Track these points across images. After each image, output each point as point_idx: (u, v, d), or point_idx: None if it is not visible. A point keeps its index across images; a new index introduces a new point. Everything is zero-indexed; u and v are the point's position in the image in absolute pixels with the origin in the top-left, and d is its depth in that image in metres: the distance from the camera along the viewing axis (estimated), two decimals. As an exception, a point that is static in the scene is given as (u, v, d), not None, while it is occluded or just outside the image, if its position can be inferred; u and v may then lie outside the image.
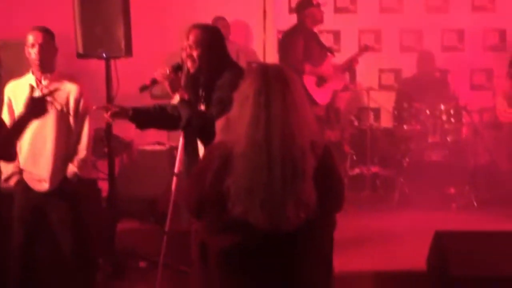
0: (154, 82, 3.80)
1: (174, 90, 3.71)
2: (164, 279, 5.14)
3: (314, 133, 2.45)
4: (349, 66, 7.37)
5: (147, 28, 7.14)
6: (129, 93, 6.86)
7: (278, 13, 8.09)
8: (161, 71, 3.74)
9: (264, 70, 2.48)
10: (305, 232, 2.40)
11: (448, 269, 4.07)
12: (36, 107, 3.56)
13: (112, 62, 5.41)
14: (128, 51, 5.30)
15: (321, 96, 6.74)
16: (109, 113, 3.85)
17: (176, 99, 3.70)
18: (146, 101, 7.16)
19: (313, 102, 6.53)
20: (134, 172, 6.43)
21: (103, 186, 5.77)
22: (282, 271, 2.43)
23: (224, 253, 2.46)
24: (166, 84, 3.72)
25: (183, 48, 3.81)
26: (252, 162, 2.35)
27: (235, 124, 2.43)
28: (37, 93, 4.19)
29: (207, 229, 2.51)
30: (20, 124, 3.55)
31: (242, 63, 7.73)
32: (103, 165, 6.06)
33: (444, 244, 4.21)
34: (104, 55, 5.27)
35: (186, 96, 3.70)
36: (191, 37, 3.76)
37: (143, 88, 3.85)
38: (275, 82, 2.40)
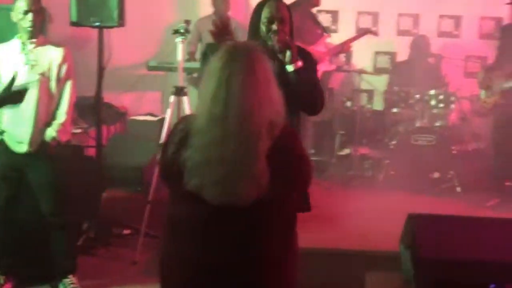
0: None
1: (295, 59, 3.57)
2: (145, 246, 5.26)
3: (276, 114, 2.46)
4: (341, 51, 7.40)
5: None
6: (120, 63, 6.98)
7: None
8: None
9: (232, 48, 2.51)
10: (258, 209, 2.44)
11: (417, 251, 4.16)
12: (14, 98, 3.69)
13: (105, 31, 5.49)
14: (121, 21, 5.37)
15: None
16: None
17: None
18: (142, 71, 7.31)
19: None
20: (124, 141, 6.52)
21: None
22: (234, 245, 2.49)
23: (179, 223, 2.54)
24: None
25: (271, 20, 3.60)
26: (208, 137, 2.39)
27: (200, 98, 2.49)
28: (23, 57, 4.30)
29: (169, 199, 2.60)
30: None
31: (238, 38, 7.77)
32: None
33: (415, 227, 4.29)
34: (97, 24, 5.34)
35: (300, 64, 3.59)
36: (284, 12, 3.65)
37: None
38: (239, 60, 2.43)
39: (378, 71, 8.10)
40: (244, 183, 2.38)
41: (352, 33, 7.75)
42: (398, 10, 8.17)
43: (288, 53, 3.51)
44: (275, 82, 2.50)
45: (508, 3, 6.43)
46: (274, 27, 3.57)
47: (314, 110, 3.73)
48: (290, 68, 3.52)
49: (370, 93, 8.17)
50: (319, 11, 7.60)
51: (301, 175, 2.59)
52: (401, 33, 8.18)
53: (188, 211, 2.51)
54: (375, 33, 7.81)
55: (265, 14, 3.60)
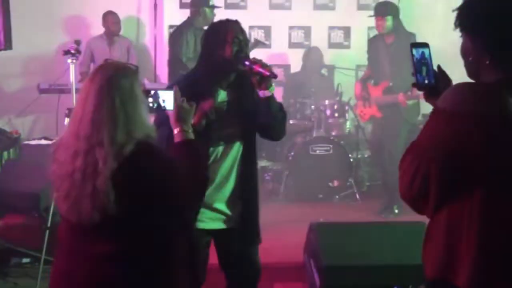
0: None
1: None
2: (47, 274, 5.10)
3: (132, 133, 2.47)
4: None
5: (32, 21, 7.02)
6: (11, 87, 6.80)
7: (169, 8, 8.13)
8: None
9: (97, 69, 2.57)
10: (110, 229, 2.48)
11: (320, 259, 4.22)
12: None
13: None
14: (8, 44, 5.24)
15: None
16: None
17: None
18: (33, 95, 7.12)
19: None
20: (19, 167, 6.32)
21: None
22: (93, 264, 2.51)
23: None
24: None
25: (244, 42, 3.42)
26: (64, 153, 2.46)
27: None
28: None
29: None
30: None
31: (134, 58, 7.72)
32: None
33: (317, 236, 4.36)
34: (-18, 48, 5.20)
35: None
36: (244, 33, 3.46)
37: None
38: (96, 81, 2.48)
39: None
40: (84, 200, 2.42)
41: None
42: (289, 23, 8.33)
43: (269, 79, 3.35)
44: (137, 102, 2.52)
45: (370, 16, 6.60)
46: (247, 50, 3.41)
47: (280, 135, 3.68)
48: (266, 93, 3.37)
49: (266, 105, 8.24)
50: (212, 27, 7.62)
51: (162, 197, 2.53)
52: (293, 45, 8.34)
53: (59, 227, 2.60)
54: (265, 44, 7.89)
55: (232, 34, 3.36)
